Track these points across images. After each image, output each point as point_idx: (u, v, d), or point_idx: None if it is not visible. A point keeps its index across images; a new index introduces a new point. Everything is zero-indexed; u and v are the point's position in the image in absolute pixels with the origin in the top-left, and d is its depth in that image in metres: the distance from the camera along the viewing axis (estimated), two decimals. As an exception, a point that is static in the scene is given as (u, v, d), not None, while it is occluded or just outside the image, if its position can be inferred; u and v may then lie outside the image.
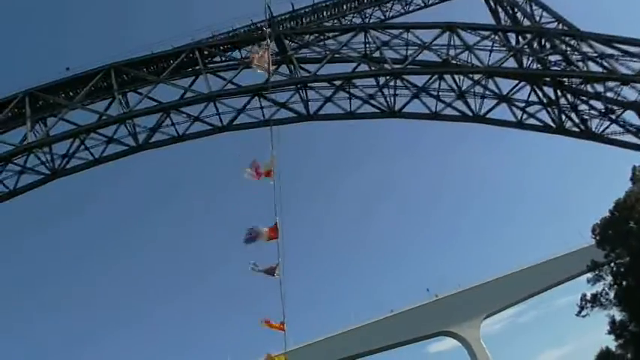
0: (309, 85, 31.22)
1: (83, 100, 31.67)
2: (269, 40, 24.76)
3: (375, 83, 31.75)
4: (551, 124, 31.72)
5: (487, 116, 31.76)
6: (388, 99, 31.80)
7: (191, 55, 32.96)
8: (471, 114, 31.68)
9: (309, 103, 31.86)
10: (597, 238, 28.76)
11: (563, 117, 31.53)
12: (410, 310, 70.59)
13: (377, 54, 31.82)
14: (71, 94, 32.45)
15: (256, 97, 31.70)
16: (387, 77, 31.36)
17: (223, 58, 33.60)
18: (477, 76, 31.45)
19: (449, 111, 31.87)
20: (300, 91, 31.68)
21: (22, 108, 31.86)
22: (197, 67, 32.80)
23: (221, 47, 33.43)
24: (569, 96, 31.38)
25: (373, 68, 31.41)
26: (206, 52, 33.14)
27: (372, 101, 31.89)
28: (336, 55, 32.24)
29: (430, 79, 31.50)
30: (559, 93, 31.69)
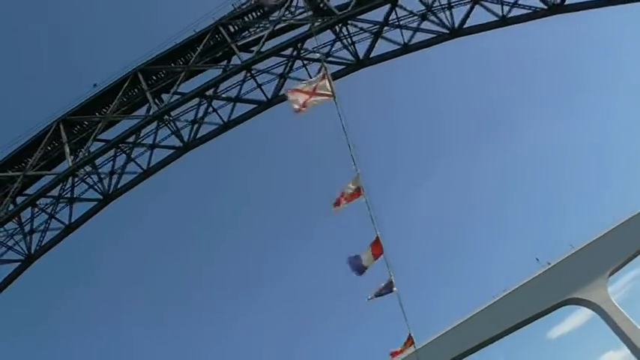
0: (349, 22, 27.27)
1: (116, 111, 29.08)
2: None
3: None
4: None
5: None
6: (446, 16, 27.32)
7: (217, 36, 29.98)
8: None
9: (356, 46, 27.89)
10: None
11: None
12: (523, 285, 63.60)
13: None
14: (104, 110, 30.02)
15: (298, 58, 28.19)
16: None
17: (251, 31, 30.38)
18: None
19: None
20: (343, 34, 27.79)
21: (59, 137, 29.70)
22: (226, 49, 29.74)
23: (246, 18, 30.23)
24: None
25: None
26: (232, 29, 30.06)
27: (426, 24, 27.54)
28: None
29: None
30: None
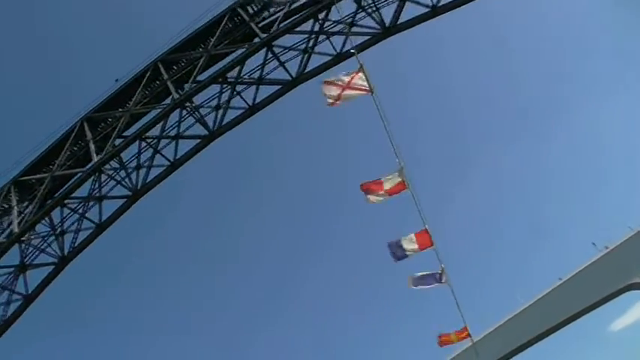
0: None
1: (138, 104, 28.32)
2: None
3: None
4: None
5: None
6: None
7: (236, 18, 28.91)
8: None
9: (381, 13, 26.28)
10: None
11: None
12: (581, 272, 59.91)
13: None
14: (127, 105, 29.32)
15: (320, 32, 26.79)
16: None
17: (271, 10, 29.18)
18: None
19: None
20: (367, 2, 26.25)
21: (84, 136, 29.14)
22: (246, 30, 28.62)
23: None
24: None
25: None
26: (250, 10, 28.94)
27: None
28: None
29: None
30: None
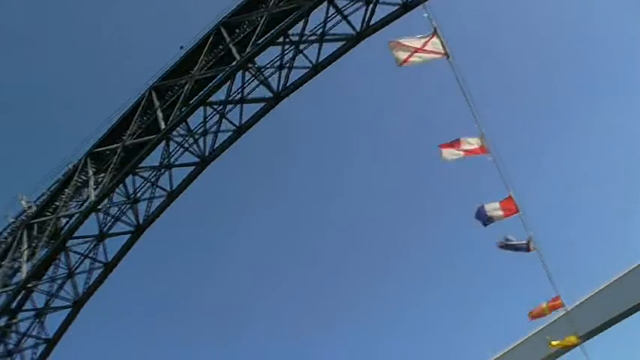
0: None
1: (202, 69, 27.95)
2: None
3: None
4: None
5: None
6: None
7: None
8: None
9: None
10: None
11: None
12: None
13: None
14: (192, 72, 29.08)
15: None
16: None
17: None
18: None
19: None
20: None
21: (153, 106, 29.30)
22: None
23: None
24: None
25: None
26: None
27: None
28: None
29: None
30: None
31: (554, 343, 21.85)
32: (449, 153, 14.92)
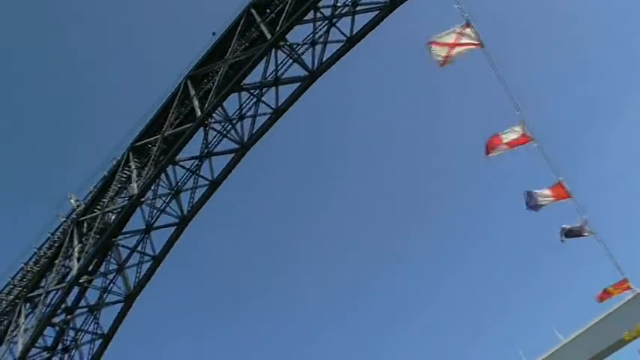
0: None
1: (235, 52, 27.33)
2: None
3: None
4: None
5: None
6: None
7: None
8: None
9: None
10: None
11: None
12: None
13: None
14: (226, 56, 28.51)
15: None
16: None
17: None
18: None
19: None
20: None
21: (189, 95, 28.95)
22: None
23: None
24: None
25: None
26: None
27: None
28: None
29: None
30: None
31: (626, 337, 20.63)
32: (493, 151, 15.29)
